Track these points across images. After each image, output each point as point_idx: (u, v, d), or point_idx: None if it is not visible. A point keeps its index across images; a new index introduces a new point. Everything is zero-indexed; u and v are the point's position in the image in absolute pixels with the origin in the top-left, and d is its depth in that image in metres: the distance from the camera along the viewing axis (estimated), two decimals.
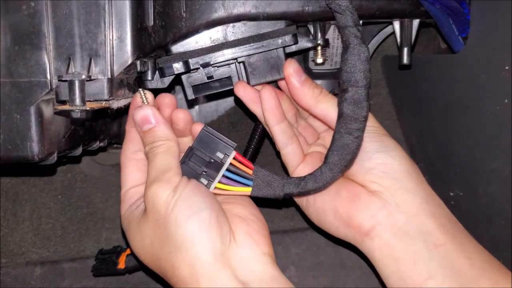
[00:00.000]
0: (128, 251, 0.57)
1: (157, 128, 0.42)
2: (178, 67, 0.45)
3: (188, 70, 0.45)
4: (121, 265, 0.56)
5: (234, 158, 0.43)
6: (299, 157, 0.47)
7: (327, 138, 0.49)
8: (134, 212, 0.42)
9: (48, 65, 0.40)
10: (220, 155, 0.43)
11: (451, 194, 0.55)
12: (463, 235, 0.42)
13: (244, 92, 0.46)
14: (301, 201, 0.48)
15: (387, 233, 0.41)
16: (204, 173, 0.43)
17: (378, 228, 0.41)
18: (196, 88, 0.47)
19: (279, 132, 0.46)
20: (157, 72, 0.46)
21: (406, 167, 0.42)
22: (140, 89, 0.45)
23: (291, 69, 0.44)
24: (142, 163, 0.44)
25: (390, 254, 0.41)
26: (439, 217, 0.41)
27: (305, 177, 0.42)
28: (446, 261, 0.39)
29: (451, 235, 0.40)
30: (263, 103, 0.45)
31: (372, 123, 0.44)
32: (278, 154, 0.49)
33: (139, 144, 0.44)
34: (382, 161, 0.42)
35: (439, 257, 0.39)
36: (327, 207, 0.44)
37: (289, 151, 0.47)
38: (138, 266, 0.56)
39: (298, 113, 0.50)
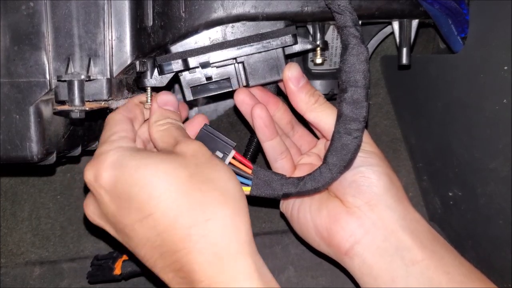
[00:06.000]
0: (124, 257, 0.57)
1: (178, 117, 0.43)
2: (177, 65, 0.45)
3: (187, 68, 0.45)
4: (117, 271, 0.56)
5: (233, 158, 0.43)
6: (288, 173, 0.48)
7: (323, 145, 0.49)
8: (161, 148, 0.40)
9: (47, 65, 0.40)
10: (219, 154, 0.43)
11: (450, 194, 0.55)
12: (443, 249, 0.42)
13: (242, 102, 0.46)
14: (286, 212, 0.48)
15: (365, 252, 0.41)
16: None
17: (357, 247, 0.42)
18: (195, 89, 0.47)
19: (269, 148, 0.47)
20: (155, 71, 0.46)
21: (385, 183, 0.42)
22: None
23: (290, 73, 0.44)
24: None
25: (369, 272, 0.41)
26: (417, 233, 0.41)
27: (304, 177, 0.42)
28: (424, 278, 0.39)
29: (430, 251, 0.40)
30: (254, 121, 0.45)
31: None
32: (267, 163, 0.49)
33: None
34: (363, 175, 0.42)
35: (417, 274, 0.40)
36: (309, 224, 0.45)
37: (278, 166, 0.48)
38: (135, 271, 0.56)
39: (294, 120, 0.50)
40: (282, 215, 0.50)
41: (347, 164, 0.41)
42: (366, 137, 0.44)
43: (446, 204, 0.56)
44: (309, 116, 0.45)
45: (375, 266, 0.41)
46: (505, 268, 0.47)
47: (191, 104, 0.70)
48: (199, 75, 0.46)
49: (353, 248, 0.42)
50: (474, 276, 0.41)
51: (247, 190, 0.43)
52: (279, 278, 0.62)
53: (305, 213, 0.45)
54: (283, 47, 0.45)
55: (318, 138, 0.51)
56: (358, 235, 0.42)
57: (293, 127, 0.50)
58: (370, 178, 0.42)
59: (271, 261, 0.63)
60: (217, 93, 0.48)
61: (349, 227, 0.42)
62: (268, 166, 0.50)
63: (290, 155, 0.48)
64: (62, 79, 0.39)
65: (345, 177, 0.42)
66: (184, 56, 0.45)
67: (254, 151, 0.54)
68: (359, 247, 0.41)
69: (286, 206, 0.48)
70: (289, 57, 0.48)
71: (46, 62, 0.40)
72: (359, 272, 0.42)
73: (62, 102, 0.41)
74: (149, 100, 0.48)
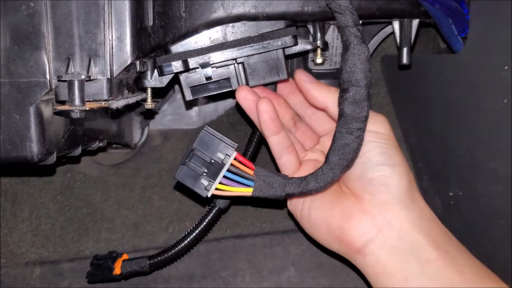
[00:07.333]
0: (124, 257, 0.57)
1: None
2: (177, 66, 0.44)
3: (187, 69, 0.45)
4: (117, 270, 0.55)
5: (235, 159, 0.43)
6: (294, 167, 0.48)
7: (326, 142, 0.49)
8: None
9: (47, 65, 0.40)
10: (221, 155, 0.43)
11: (451, 194, 0.55)
12: (456, 248, 0.42)
13: (244, 99, 0.46)
14: (296, 212, 0.48)
15: (379, 250, 0.41)
16: (204, 174, 0.43)
17: (370, 245, 0.41)
18: (194, 89, 0.47)
19: (275, 143, 0.46)
20: (155, 71, 0.46)
21: (406, 184, 0.42)
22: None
23: (302, 75, 0.45)
24: None
25: (382, 271, 0.41)
26: (431, 232, 0.41)
27: (306, 177, 0.42)
28: (438, 276, 0.39)
29: (443, 250, 0.40)
30: (259, 116, 0.45)
31: (385, 130, 0.43)
32: (273, 159, 0.49)
33: None
34: (385, 174, 0.41)
35: (431, 273, 0.40)
36: (320, 223, 0.45)
37: (284, 161, 0.47)
38: (135, 271, 0.56)
39: (296, 116, 0.50)
40: (290, 214, 0.50)
41: (349, 163, 0.41)
42: (388, 130, 0.44)
43: (447, 204, 0.56)
44: (336, 108, 0.43)
45: (388, 264, 0.41)
46: (506, 268, 0.47)
47: (191, 104, 0.70)
48: (199, 75, 0.46)
49: (366, 246, 0.41)
50: (486, 275, 0.41)
51: (249, 191, 0.43)
52: (279, 279, 0.62)
53: (317, 212, 0.45)
54: (283, 48, 0.45)
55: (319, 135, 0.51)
56: (372, 234, 0.41)
57: (295, 123, 0.50)
58: (391, 178, 0.41)
59: (271, 261, 0.63)
60: (216, 92, 0.48)
61: (363, 225, 0.42)
62: (273, 162, 0.50)
63: (295, 150, 0.48)
64: (62, 79, 0.39)
65: (366, 174, 0.42)
66: (184, 57, 0.45)
67: (254, 150, 0.54)
68: (372, 245, 0.41)
69: (295, 205, 0.48)
70: (289, 58, 0.48)
71: (46, 62, 0.40)
72: (371, 270, 0.42)
73: (62, 102, 0.41)
74: (149, 100, 0.48)
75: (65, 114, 0.41)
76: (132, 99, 0.47)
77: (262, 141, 0.52)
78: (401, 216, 0.41)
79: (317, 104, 0.45)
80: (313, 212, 0.45)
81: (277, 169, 0.49)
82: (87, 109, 0.40)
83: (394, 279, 0.41)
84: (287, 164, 0.47)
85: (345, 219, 0.43)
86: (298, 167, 0.48)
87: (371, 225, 0.41)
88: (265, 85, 0.47)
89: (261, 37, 0.45)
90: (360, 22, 0.46)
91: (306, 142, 0.50)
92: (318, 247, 0.62)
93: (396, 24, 0.50)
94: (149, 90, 0.47)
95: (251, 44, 0.45)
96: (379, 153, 0.42)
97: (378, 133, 0.43)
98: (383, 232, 0.41)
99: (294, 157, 0.47)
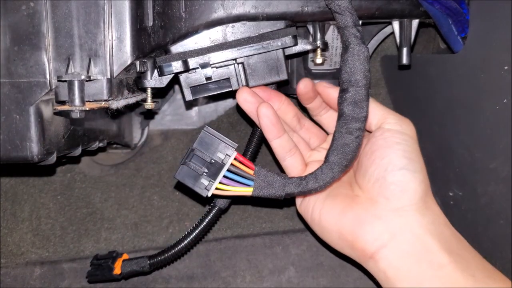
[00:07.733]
0: (124, 256, 0.57)
1: None
2: (177, 66, 0.44)
3: (187, 69, 0.45)
4: (117, 270, 0.55)
5: (235, 159, 0.43)
6: (298, 169, 0.47)
7: None
8: None
9: (47, 65, 0.40)
10: (221, 155, 0.43)
11: (451, 194, 0.55)
12: (468, 252, 0.41)
13: (245, 101, 0.46)
14: (306, 216, 0.48)
15: (392, 255, 0.41)
16: (205, 173, 0.43)
17: (383, 251, 0.41)
18: (194, 89, 0.47)
19: (277, 146, 0.47)
20: (155, 71, 0.46)
21: (422, 190, 0.41)
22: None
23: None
24: None
25: (395, 275, 0.41)
26: (444, 237, 0.41)
27: (306, 176, 0.42)
28: (451, 281, 0.39)
29: (456, 254, 0.40)
30: (260, 121, 0.45)
31: (411, 132, 0.43)
32: (275, 159, 0.49)
33: None
34: (404, 179, 0.41)
35: (443, 277, 0.39)
36: (332, 228, 0.44)
37: (288, 164, 0.48)
38: (135, 271, 0.56)
39: (300, 113, 0.50)
40: (299, 216, 0.49)
41: (348, 163, 0.41)
42: (414, 132, 0.44)
43: (446, 204, 0.56)
44: None
45: (401, 269, 0.40)
46: (505, 268, 0.47)
47: (191, 104, 0.70)
48: (199, 75, 0.46)
49: (379, 252, 0.41)
50: (498, 278, 0.41)
51: (249, 191, 0.43)
52: (279, 279, 0.62)
53: (328, 216, 0.44)
54: (283, 48, 0.45)
55: (325, 132, 0.51)
56: (385, 239, 0.41)
57: (299, 120, 0.50)
58: (410, 184, 0.41)
59: (271, 261, 0.63)
60: (216, 92, 0.48)
61: (375, 230, 0.41)
62: (275, 162, 0.50)
63: (299, 151, 0.48)
64: (63, 79, 0.39)
65: (385, 177, 0.41)
66: (184, 57, 0.45)
67: (254, 150, 0.54)
68: (385, 251, 0.41)
69: (305, 208, 0.47)
70: (289, 58, 0.48)
71: (46, 62, 0.40)
72: (384, 275, 0.41)
73: (62, 102, 0.41)
74: (149, 100, 0.48)
75: (65, 114, 0.41)
76: (132, 99, 0.47)
77: (262, 141, 0.52)
78: (414, 221, 0.41)
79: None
80: (324, 216, 0.45)
81: (282, 172, 0.49)
82: (87, 109, 0.40)
83: (407, 284, 0.40)
84: (292, 166, 0.47)
85: (357, 224, 0.42)
86: (304, 168, 0.48)
87: (384, 231, 0.41)
88: (265, 85, 0.47)
89: (261, 37, 0.45)
90: (360, 22, 0.46)
91: (312, 139, 0.50)
92: (320, 246, 0.62)
93: (396, 24, 0.50)
94: (149, 90, 0.47)
95: (251, 44, 0.45)
96: (403, 156, 0.42)
97: (404, 134, 0.43)
98: (396, 237, 0.41)
99: (298, 159, 0.47)
